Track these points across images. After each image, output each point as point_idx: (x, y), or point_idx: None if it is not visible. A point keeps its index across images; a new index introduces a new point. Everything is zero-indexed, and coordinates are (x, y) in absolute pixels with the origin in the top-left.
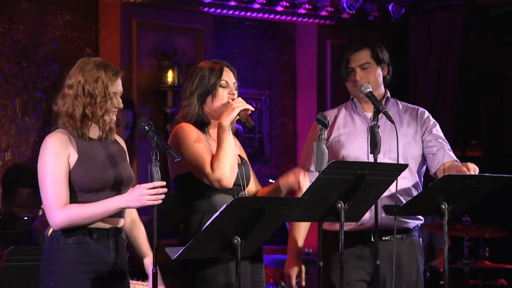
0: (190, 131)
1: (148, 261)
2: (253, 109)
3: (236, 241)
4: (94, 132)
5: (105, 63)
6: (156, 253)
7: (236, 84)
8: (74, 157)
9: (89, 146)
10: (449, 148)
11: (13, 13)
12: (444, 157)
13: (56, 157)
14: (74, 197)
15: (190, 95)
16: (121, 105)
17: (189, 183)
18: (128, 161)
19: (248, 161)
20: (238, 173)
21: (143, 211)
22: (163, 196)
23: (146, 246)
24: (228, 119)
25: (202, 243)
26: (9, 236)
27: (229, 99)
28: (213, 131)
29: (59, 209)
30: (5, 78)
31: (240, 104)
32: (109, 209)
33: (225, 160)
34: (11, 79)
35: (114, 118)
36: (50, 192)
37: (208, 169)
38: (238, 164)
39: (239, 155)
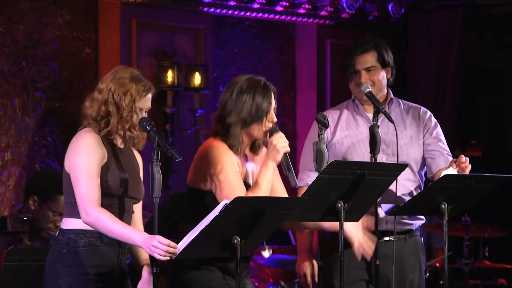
0: (226, 154)
1: (146, 269)
2: (289, 150)
3: (236, 241)
4: (119, 140)
5: (139, 77)
6: None
7: (275, 108)
8: (105, 159)
9: (115, 150)
10: (448, 152)
11: (13, 13)
12: (444, 162)
13: (92, 154)
14: None
15: (238, 116)
16: None
17: (209, 202)
18: (141, 177)
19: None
20: None
21: (144, 208)
22: (169, 255)
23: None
24: (274, 163)
25: (202, 243)
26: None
27: (269, 127)
28: (244, 150)
29: (92, 206)
30: (5, 78)
31: (284, 145)
32: (130, 238)
33: None
34: (11, 78)
35: (139, 133)
36: (84, 188)
37: None
38: None
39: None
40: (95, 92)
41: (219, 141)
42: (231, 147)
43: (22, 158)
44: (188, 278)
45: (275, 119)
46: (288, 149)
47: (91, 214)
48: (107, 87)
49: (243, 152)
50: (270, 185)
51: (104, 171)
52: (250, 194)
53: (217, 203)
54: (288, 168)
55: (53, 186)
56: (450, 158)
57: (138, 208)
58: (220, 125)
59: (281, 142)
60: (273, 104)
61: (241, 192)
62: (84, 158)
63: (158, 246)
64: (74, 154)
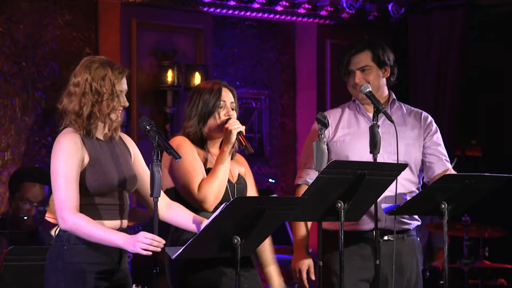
0: (184, 145)
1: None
2: (243, 130)
3: (236, 240)
4: (100, 132)
5: (110, 62)
6: (156, 253)
7: (233, 104)
8: (86, 159)
9: (97, 147)
10: (447, 158)
11: (13, 13)
12: (441, 167)
13: (69, 158)
14: (84, 200)
15: (192, 117)
16: (127, 104)
17: (177, 198)
18: (132, 160)
19: (247, 181)
20: (229, 191)
21: (142, 205)
22: (156, 249)
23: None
24: (229, 145)
25: (202, 242)
26: (12, 235)
27: (224, 119)
28: (213, 150)
29: (69, 212)
30: (5, 78)
31: (236, 126)
32: (111, 241)
33: (214, 185)
34: (11, 79)
35: (119, 116)
36: (62, 193)
37: (194, 187)
38: (232, 183)
39: (239, 174)
40: (70, 87)
41: (181, 136)
42: (193, 142)
43: (22, 158)
44: (189, 278)
45: (231, 113)
46: (241, 129)
47: (68, 220)
48: (83, 79)
49: (212, 149)
50: (227, 170)
51: (89, 172)
52: (205, 181)
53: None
54: (241, 143)
55: (17, 176)
56: (448, 164)
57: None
58: (186, 130)
59: (233, 124)
60: (228, 99)
61: (197, 179)
62: (62, 163)
63: (142, 240)
64: (53, 159)
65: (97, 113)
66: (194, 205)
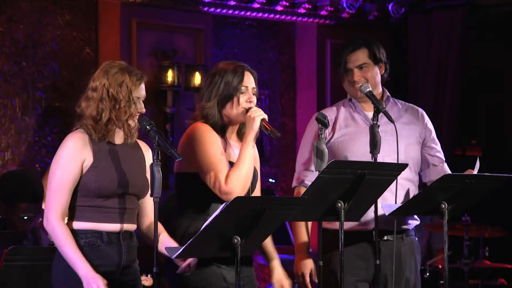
0: (209, 134)
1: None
2: (266, 117)
3: (236, 240)
4: (116, 136)
5: (129, 67)
6: (156, 253)
7: (255, 89)
8: (89, 160)
9: (108, 150)
10: (444, 160)
11: (13, 13)
12: (443, 172)
13: (68, 162)
14: (85, 201)
15: (211, 98)
16: (144, 110)
17: (193, 185)
18: (147, 169)
19: (258, 171)
20: None
21: None
22: None
23: (166, 235)
24: (252, 133)
25: (202, 242)
26: (9, 236)
27: (246, 106)
28: (230, 136)
29: (54, 217)
30: (5, 78)
31: (259, 113)
32: (74, 265)
33: (241, 177)
34: (11, 78)
35: (137, 122)
36: (53, 195)
37: (221, 179)
38: None
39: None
40: (89, 91)
41: (203, 123)
42: (213, 127)
43: (22, 158)
44: (188, 278)
45: (252, 99)
46: (265, 116)
47: (50, 224)
48: (101, 84)
49: (229, 135)
50: (253, 160)
51: (91, 173)
52: (232, 173)
53: (201, 185)
54: (266, 129)
55: (10, 193)
56: (446, 166)
57: (149, 204)
58: (200, 110)
59: (256, 112)
60: (250, 84)
61: (223, 170)
62: (60, 165)
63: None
64: (54, 157)
65: (114, 119)
66: (221, 197)
